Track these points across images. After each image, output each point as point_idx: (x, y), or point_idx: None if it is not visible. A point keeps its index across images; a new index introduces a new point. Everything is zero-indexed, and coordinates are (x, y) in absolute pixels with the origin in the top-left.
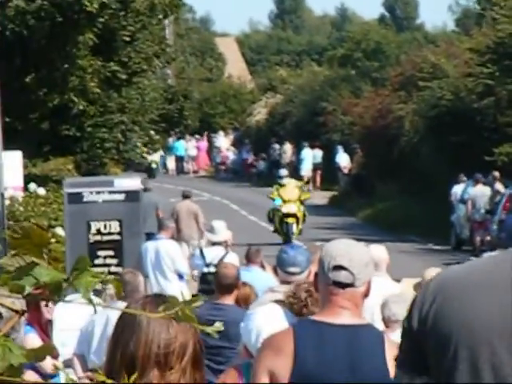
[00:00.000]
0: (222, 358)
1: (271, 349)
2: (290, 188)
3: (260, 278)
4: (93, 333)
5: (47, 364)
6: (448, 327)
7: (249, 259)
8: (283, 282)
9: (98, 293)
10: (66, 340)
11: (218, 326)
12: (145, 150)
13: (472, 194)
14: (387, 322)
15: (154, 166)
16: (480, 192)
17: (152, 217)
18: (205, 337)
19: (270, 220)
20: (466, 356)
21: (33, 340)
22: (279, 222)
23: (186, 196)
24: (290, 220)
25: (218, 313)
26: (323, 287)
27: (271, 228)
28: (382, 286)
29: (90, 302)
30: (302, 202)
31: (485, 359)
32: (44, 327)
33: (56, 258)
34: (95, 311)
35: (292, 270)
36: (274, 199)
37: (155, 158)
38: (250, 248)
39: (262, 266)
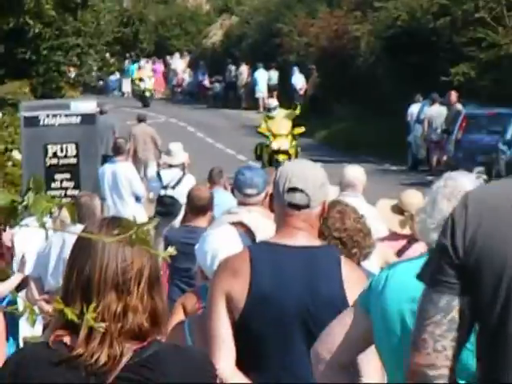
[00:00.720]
0: (194, 281)
1: (227, 271)
2: (280, 120)
3: (223, 199)
4: (49, 255)
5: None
6: (503, 250)
7: (211, 181)
8: (241, 204)
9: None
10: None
11: (171, 250)
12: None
13: (428, 113)
14: None
15: (147, 94)
16: (436, 112)
17: (109, 139)
18: (176, 259)
19: (258, 157)
20: None
21: None
22: (268, 159)
23: (141, 119)
24: (282, 157)
25: (192, 235)
26: (278, 209)
27: (228, 150)
28: (358, 208)
29: (44, 227)
30: (294, 137)
31: None
32: (2, 252)
33: (12, 182)
34: (47, 236)
35: (249, 191)
36: (264, 135)
37: (148, 85)
38: (212, 169)
39: (225, 187)
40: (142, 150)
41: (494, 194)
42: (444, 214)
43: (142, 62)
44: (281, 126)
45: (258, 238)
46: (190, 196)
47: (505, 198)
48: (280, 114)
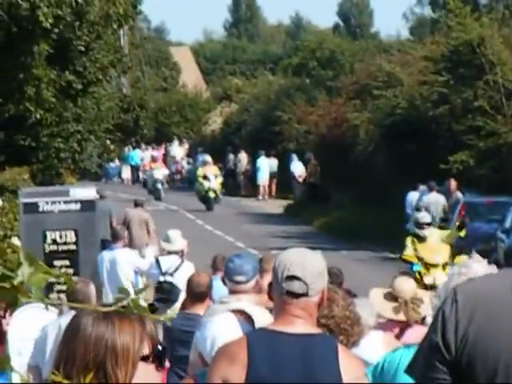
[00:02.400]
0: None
1: (225, 357)
2: (435, 243)
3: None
4: (46, 343)
5: None
6: (496, 346)
7: (215, 267)
8: (231, 292)
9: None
10: (22, 350)
11: (171, 313)
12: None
13: (426, 201)
14: None
15: (211, 194)
16: (434, 199)
17: (106, 224)
18: (175, 347)
19: None
20: None
21: None
22: None
23: (137, 204)
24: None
25: (190, 323)
26: (277, 297)
27: (227, 236)
28: None
29: (42, 300)
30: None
31: None
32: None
33: (12, 269)
34: (47, 308)
35: (238, 278)
36: (410, 263)
37: (213, 184)
38: (216, 256)
39: (223, 276)
40: (136, 234)
41: (483, 288)
42: None
43: (142, 148)
44: (436, 252)
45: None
46: (189, 282)
47: (494, 292)
48: (433, 234)
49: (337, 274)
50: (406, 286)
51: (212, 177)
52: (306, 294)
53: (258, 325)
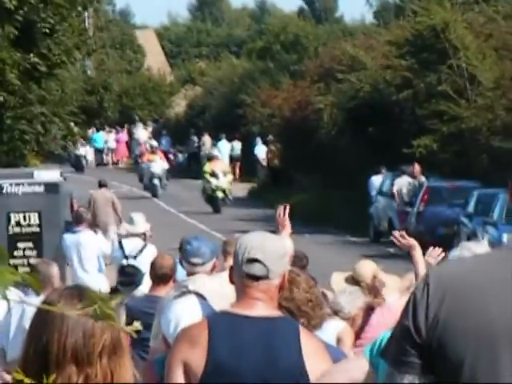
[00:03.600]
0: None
1: (186, 340)
2: None
3: None
4: (9, 324)
5: None
6: (464, 327)
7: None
8: (189, 274)
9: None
10: None
11: (136, 324)
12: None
13: (399, 185)
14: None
15: (219, 194)
16: (406, 183)
17: (67, 206)
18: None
19: None
20: (488, 356)
21: None
22: None
23: (102, 184)
24: None
25: (153, 305)
26: (238, 280)
27: (189, 219)
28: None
29: (6, 299)
30: None
31: (507, 359)
32: None
33: None
34: (9, 308)
35: (194, 260)
36: None
37: (83, 152)
38: (183, 239)
39: (182, 258)
40: (102, 214)
41: (455, 271)
42: None
43: (106, 130)
44: None
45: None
46: (152, 264)
47: (464, 274)
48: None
49: (300, 257)
50: (367, 269)
51: (221, 174)
52: (266, 277)
53: (213, 299)
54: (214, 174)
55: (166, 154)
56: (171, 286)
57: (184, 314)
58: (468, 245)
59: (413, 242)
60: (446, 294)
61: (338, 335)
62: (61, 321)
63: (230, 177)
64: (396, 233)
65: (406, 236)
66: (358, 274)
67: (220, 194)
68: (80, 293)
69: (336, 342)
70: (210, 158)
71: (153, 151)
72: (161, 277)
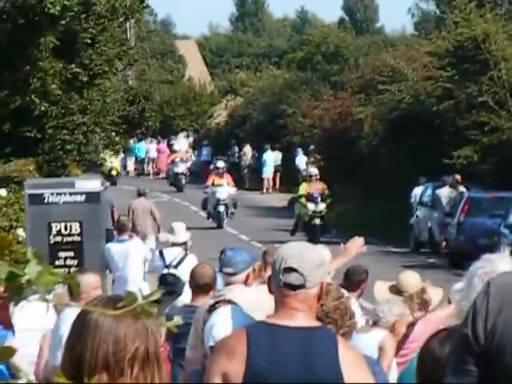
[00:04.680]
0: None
1: (224, 351)
2: None
3: None
4: (53, 333)
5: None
6: None
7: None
8: (225, 284)
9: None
10: (25, 341)
11: (177, 320)
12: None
13: (439, 195)
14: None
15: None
16: (447, 193)
17: (108, 214)
18: (178, 340)
19: None
20: None
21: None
22: None
23: (140, 194)
24: None
25: (192, 315)
26: (276, 289)
27: (229, 228)
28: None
29: (47, 301)
30: None
31: None
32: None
33: (17, 260)
34: (47, 311)
35: (227, 270)
36: None
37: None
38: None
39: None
40: (140, 223)
41: None
42: None
43: (148, 140)
44: None
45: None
46: (193, 273)
47: None
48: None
49: (360, 271)
50: (411, 280)
51: (318, 196)
52: (303, 286)
53: (250, 310)
54: (310, 197)
55: (207, 163)
56: (211, 296)
57: (220, 324)
58: (489, 257)
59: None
60: (504, 304)
61: (379, 344)
62: (94, 330)
63: (328, 200)
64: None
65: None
66: (401, 284)
67: (318, 222)
68: (115, 299)
69: (378, 351)
70: (307, 178)
71: (219, 173)
72: (201, 287)
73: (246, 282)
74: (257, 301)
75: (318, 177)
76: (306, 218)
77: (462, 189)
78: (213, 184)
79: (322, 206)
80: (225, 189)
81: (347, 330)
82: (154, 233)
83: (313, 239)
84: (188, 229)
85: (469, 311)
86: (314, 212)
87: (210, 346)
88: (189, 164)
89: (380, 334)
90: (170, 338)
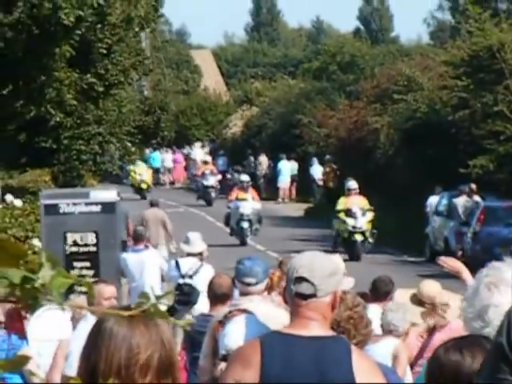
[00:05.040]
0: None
1: (238, 361)
2: None
3: None
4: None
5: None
6: None
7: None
8: (242, 294)
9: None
10: (41, 350)
11: (190, 319)
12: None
13: (455, 204)
14: (384, 329)
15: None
16: (462, 203)
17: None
18: (194, 349)
19: None
20: None
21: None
22: None
23: (153, 204)
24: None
25: (207, 324)
26: (290, 299)
27: (248, 240)
28: None
29: (61, 304)
30: None
31: None
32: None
33: (32, 270)
34: (63, 309)
35: (247, 280)
36: None
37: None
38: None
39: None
40: (153, 233)
41: None
42: (484, 304)
43: (163, 150)
44: None
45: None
46: (211, 284)
47: None
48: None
49: (386, 282)
50: (432, 290)
51: (358, 212)
52: (314, 295)
53: (272, 323)
54: (349, 213)
55: (223, 173)
56: (228, 305)
57: (234, 333)
58: (496, 264)
59: (459, 264)
60: None
61: (393, 353)
62: (109, 340)
63: (369, 215)
64: (442, 257)
65: (452, 259)
66: (421, 293)
67: (359, 238)
68: (129, 308)
69: (392, 360)
70: (346, 192)
71: (243, 187)
72: (219, 296)
73: (264, 291)
74: (275, 312)
75: (358, 190)
76: (345, 234)
77: (477, 198)
78: (236, 198)
79: (362, 221)
80: (249, 203)
81: (361, 339)
82: (167, 243)
83: (353, 257)
84: (210, 246)
85: (503, 320)
86: (353, 227)
87: (222, 355)
88: (219, 177)
89: (393, 342)
90: (186, 347)
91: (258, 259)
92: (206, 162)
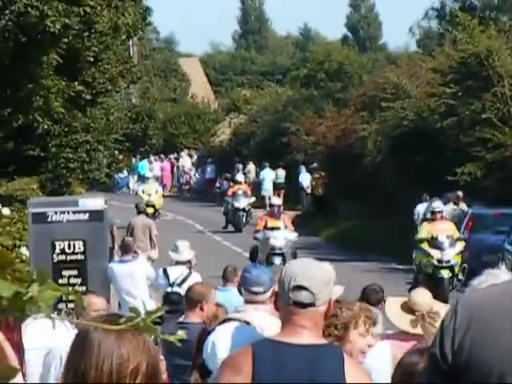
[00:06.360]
0: (188, 376)
1: (230, 368)
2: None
3: (237, 298)
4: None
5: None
6: (490, 355)
7: (225, 279)
8: (248, 302)
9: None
10: (28, 360)
11: (181, 333)
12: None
13: (447, 212)
14: None
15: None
16: (451, 210)
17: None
18: (170, 356)
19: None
20: None
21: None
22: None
23: (140, 211)
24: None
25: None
26: (283, 307)
27: (234, 247)
28: None
29: (49, 317)
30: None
31: None
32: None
33: (20, 279)
34: (54, 326)
35: (255, 289)
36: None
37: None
38: (226, 267)
39: (239, 285)
40: (139, 240)
41: (483, 298)
42: None
43: (151, 158)
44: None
45: (264, 336)
46: (187, 289)
47: (492, 301)
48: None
49: (376, 290)
50: (423, 299)
51: (446, 241)
52: (312, 304)
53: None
54: (436, 243)
55: (210, 181)
56: (202, 312)
57: (223, 340)
58: (492, 272)
59: None
60: (471, 322)
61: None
62: (98, 347)
63: (460, 245)
64: None
65: None
66: (413, 302)
67: (446, 274)
68: (115, 318)
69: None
70: (431, 216)
71: (274, 213)
72: (191, 301)
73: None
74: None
75: (444, 214)
76: (428, 269)
77: (463, 206)
78: (265, 227)
79: (450, 254)
80: (281, 233)
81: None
82: (152, 250)
83: (438, 296)
84: (192, 247)
85: (438, 330)
86: (439, 261)
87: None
88: (252, 199)
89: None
90: (165, 355)
91: (263, 267)
92: (237, 182)
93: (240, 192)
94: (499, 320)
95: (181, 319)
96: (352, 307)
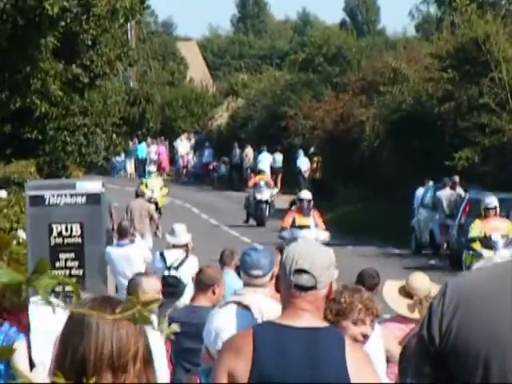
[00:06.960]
0: (198, 360)
1: (231, 350)
2: None
3: (234, 281)
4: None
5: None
6: (476, 338)
7: (223, 262)
8: (247, 285)
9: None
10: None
11: (175, 327)
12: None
13: (439, 196)
14: None
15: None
16: (448, 195)
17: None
18: (179, 339)
19: None
20: (498, 367)
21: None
22: None
23: (138, 194)
24: None
25: (194, 315)
26: (285, 290)
27: (231, 230)
28: None
29: (49, 302)
30: None
31: None
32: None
33: (17, 260)
34: (54, 312)
35: (255, 272)
36: None
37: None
38: (223, 251)
39: (237, 268)
40: (137, 222)
41: (471, 281)
42: None
43: (148, 141)
44: None
45: (263, 319)
46: (198, 272)
47: (479, 284)
48: None
49: (372, 275)
50: (421, 283)
51: (500, 241)
52: (314, 287)
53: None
54: (489, 243)
55: (207, 165)
56: (213, 296)
57: (225, 324)
58: (491, 257)
59: None
60: (459, 305)
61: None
62: (97, 329)
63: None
64: None
65: None
66: (411, 287)
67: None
68: (109, 301)
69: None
70: (484, 213)
71: (303, 210)
72: (203, 285)
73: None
74: (278, 308)
75: (499, 210)
76: None
77: (460, 190)
78: (293, 225)
79: (505, 255)
80: (312, 232)
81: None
82: (151, 232)
83: None
84: (189, 231)
85: (426, 312)
86: None
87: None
88: (275, 190)
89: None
90: (172, 339)
91: (263, 250)
92: (260, 171)
93: (262, 183)
94: (487, 304)
95: (192, 303)
96: (353, 294)
